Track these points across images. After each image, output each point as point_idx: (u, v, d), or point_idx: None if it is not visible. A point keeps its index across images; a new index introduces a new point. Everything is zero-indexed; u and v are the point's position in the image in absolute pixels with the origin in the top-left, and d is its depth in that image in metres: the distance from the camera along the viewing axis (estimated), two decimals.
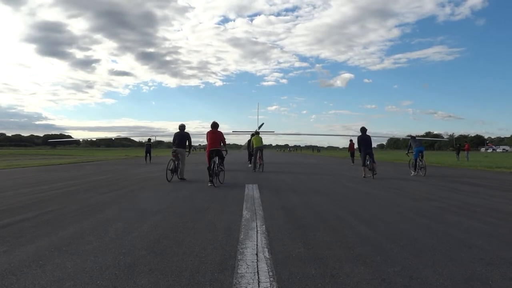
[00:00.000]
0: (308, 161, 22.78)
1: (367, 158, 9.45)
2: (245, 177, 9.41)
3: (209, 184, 7.05)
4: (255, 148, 12.26)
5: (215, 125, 7.87)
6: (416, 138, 11.13)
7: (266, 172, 11.44)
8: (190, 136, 8.83)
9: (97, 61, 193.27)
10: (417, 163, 10.38)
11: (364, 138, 9.65)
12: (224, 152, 7.75)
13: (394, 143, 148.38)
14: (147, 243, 2.80)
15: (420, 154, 10.41)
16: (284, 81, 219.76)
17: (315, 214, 4.06)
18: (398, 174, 11.41)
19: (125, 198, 5.37)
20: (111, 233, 3.12)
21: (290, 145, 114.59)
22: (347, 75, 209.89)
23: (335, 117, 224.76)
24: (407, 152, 11.23)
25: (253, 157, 12.43)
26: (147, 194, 5.89)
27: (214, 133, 7.74)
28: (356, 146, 10.38)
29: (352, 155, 18.95)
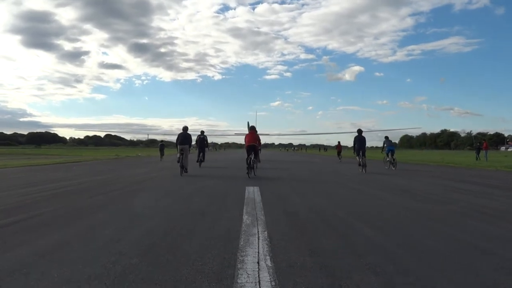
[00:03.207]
0: (313, 161, 22.89)
1: (360, 154, 12.21)
2: (245, 179, 9.42)
3: (248, 176, 9.61)
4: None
5: (253, 128, 11.20)
6: (389, 139, 14.62)
7: (267, 174, 11.48)
8: (191, 136, 11.59)
9: (86, 53, 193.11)
10: (390, 159, 13.98)
11: (360, 138, 12.55)
12: (259, 150, 10.72)
13: (407, 142, 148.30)
14: (139, 250, 2.80)
15: (391, 152, 14.00)
16: (288, 74, 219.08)
17: (321, 219, 4.06)
18: (409, 176, 11.37)
19: (116, 202, 5.37)
20: (100, 239, 3.12)
21: (294, 144, 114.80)
22: (356, 68, 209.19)
23: (343, 113, 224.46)
24: (382, 150, 14.90)
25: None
26: (140, 197, 5.90)
27: (252, 134, 10.83)
28: (352, 144, 13.17)
29: (339, 153, 25.07)
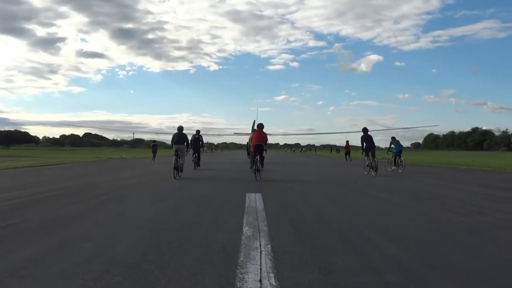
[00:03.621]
0: (322, 164, 22.90)
1: (369, 155, 12.98)
2: (245, 185, 9.43)
3: (255, 178, 10.58)
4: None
5: (261, 126, 12.03)
6: (396, 139, 15.87)
7: (271, 178, 11.54)
8: (187, 136, 12.84)
9: (62, 39, 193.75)
10: (396, 160, 15.08)
11: (367, 137, 13.18)
12: (264, 152, 11.50)
13: (433, 141, 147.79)
14: (123, 267, 2.81)
15: (399, 153, 15.21)
16: (295, 64, 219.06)
17: (333, 231, 4.07)
18: (435, 182, 11.34)
19: (96, 211, 5.40)
20: (78, 254, 3.13)
21: (301, 144, 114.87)
22: (373, 57, 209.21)
23: (358, 109, 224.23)
24: (387, 150, 16.30)
25: (250, 156, 15.59)
26: (124, 206, 5.92)
27: (260, 132, 11.83)
28: (360, 144, 13.80)
29: (347, 154, 27.01)
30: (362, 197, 7.35)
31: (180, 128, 12.72)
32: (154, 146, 27.57)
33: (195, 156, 15.40)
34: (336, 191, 8.48)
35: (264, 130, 11.91)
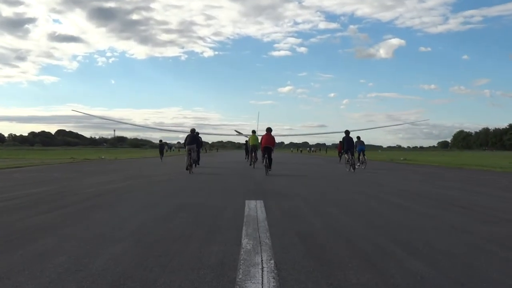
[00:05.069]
0: (333, 165, 22.91)
1: (349, 154, 17.67)
2: (245, 191, 9.46)
3: (266, 173, 14.91)
4: (251, 146, 20.93)
5: (269, 129, 16.43)
6: (360, 139, 20.53)
7: (274, 182, 11.65)
8: (201, 138, 18.80)
9: (32, 20, 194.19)
10: (360, 158, 19.96)
11: (348, 139, 18.05)
12: (272, 153, 15.82)
13: (463, 140, 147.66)
14: (102, 285, 2.81)
15: (361, 151, 20.18)
16: (302, 49, 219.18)
17: (345, 243, 4.08)
18: (470, 188, 11.35)
19: (71, 220, 5.41)
20: (50, 271, 3.14)
21: (310, 143, 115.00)
22: (394, 42, 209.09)
23: (376, 102, 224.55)
24: (343, 150, 19.57)
25: (249, 155, 21.88)
26: (104, 214, 5.95)
27: (268, 136, 16.27)
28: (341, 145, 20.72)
29: (340, 153, 29.89)
30: (380, 203, 7.34)
31: (193, 130, 17.36)
32: (162, 146, 33.15)
33: (191, 155, 16.89)
34: (351, 198, 8.48)
35: (263, 130, 14.70)
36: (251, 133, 22.45)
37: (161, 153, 31.89)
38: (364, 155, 20.35)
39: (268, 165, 15.18)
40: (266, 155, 15.36)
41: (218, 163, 27.41)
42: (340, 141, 28.60)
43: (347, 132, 18.36)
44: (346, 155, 17.93)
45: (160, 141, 34.94)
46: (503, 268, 3.29)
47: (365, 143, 29.27)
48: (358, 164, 19.51)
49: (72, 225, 5.10)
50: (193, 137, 17.15)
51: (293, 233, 4.56)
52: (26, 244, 4.04)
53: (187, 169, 15.53)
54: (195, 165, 17.98)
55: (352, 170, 17.12)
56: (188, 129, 18.49)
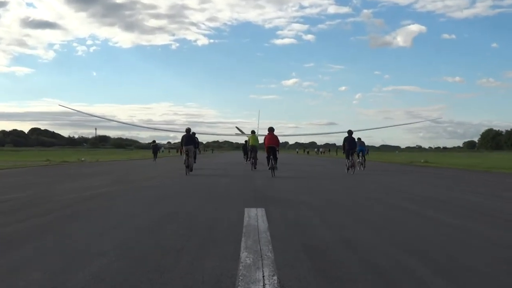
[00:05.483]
0: (341, 169, 22.90)
1: (350, 154, 18.98)
2: (244, 194, 9.47)
3: (272, 174, 16.06)
4: (251, 146, 22.18)
5: (271, 129, 17.92)
6: (361, 140, 22.31)
7: (276, 187, 11.69)
8: (197, 138, 21.07)
9: (2, 4, 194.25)
10: (360, 159, 21.85)
11: (350, 139, 19.26)
12: (277, 153, 17.14)
13: (493, 140, 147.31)
14: None
15: (361, 152, 22.01)
16: (309, 37, 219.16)
17: (358, 258, 4.07)
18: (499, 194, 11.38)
19: (48, 231, 5.41)
20: (23, 287, 3.13)
21: (318, 144, 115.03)
22: (414, 28, 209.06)
23: (393, 96, 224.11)
24: (343, 151, 20.93)
25: (249, 155, 23.14)
26: (85, 224, 5.95)
27: (272, 135, 17.65)
28: (342, 145, 20.09)
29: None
30: (397, 212, 7.35)
31: (188, 130, 18.69)
32: (155, 146, 36.22)
33: (189, 159, 17.94)
34: (365, 205, 8.49)
35: (265, 128, 15.64)
36: (250, 133, 23.39)
37: (155, 154, 34.69)
38: (363, 156, 22.22)
39: (275, 166, 16.42)
40: (271, 156, 16.52)
41: (215, 164, 27.51)
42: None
43: (349, 132, 19.54)
44: (349, 158, 19.01)
45: (154, 141, 38.25)
46: None
47: (381, 143, 30.85)
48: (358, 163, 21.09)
49: (48, 236, 5.10)
50: (190, 137, 18.42)
51: (298, 246, 4.56)
52: None
53: (186, 167, 17.00)
54: (187, 172, 18.31)
55: (352, 172, 18.52)
56: (180, 127, 19.69)
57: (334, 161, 39.05)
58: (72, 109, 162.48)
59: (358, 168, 20.49)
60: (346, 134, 19.22)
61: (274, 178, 15.43)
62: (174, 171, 20.35)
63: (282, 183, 13.33)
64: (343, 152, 19.66)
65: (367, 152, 30.03)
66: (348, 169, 18.97)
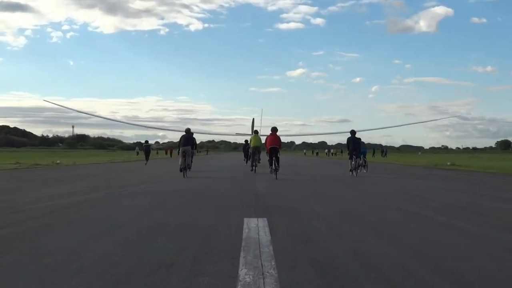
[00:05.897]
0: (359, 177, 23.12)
1: (354, 156, 20.55)
2: (244, 202, 9.48)
3: (272, 176, 17.68)
4: (252, 147, 23.47)
5: (274, 129, 19.29)
6: (362, 141, 22.86)
7: (280, 194, 11.81)
8: (195, 139, 22.39)
9: None
10: (362, 162, 23.06)
11: (354, 140, 20.88)
12: (278, 153, 18.55)
13: None
14: None
15: (363, 154, 23.44)
16: (318, 21, 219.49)
17: (375, 276, 4.06)
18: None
19: (16, 245, 5.41)
20: None
21: (329, 143, 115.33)
22: (439, 10, 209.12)
23: (415, 89, 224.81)
24: (348, 153, 22.86)
25: (251, 157, 23.63)
26: (60, 237, 5.94)
27: (274, 136, 19.16)
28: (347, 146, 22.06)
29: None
30: (419, 223, 7.34)
31: (188, 130, 20.49)
32: (147, 147, 37.37)
33: (186, 161, 19.55)
34: (382, 214, 8.49)
35: (266, 127, 16.84)
36: (250, 133, 24.71)
37: (147, 156, 36.37)
38: (365, 157, 23.96)
39: (277, 167, 17.80)
40: (274, 157, 18.02)
41: (213, 167, 27.66)
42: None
43: (352, 133, 21.30)
44: (352, 159, 20.69)
45: (146, 141, 40.28)
46: None
47: (401, 143, 32.15)
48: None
49: (17, 251, 5.08)
50: (188, 138, 20.07)
51: (306, 262, 4.55)
52: None
53: (181, 171, 18.39)
54: (185, 174, 19.23)
55: (355, 175, 20.21)
56: (170, 125, 20.63)
57: (347, 164, 38.85)
58: (61, 105, 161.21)
59: (359, 171, 21.80)
60: (363, 133, 20.49)
61: (277, 181, 15.89)
62: (166, 174, 20.63)
63: (286, 189, 13.42)
64: (348, 153, 21.38)
65: (385, 154, 30.74)
66: (351, 171, 20.49)
